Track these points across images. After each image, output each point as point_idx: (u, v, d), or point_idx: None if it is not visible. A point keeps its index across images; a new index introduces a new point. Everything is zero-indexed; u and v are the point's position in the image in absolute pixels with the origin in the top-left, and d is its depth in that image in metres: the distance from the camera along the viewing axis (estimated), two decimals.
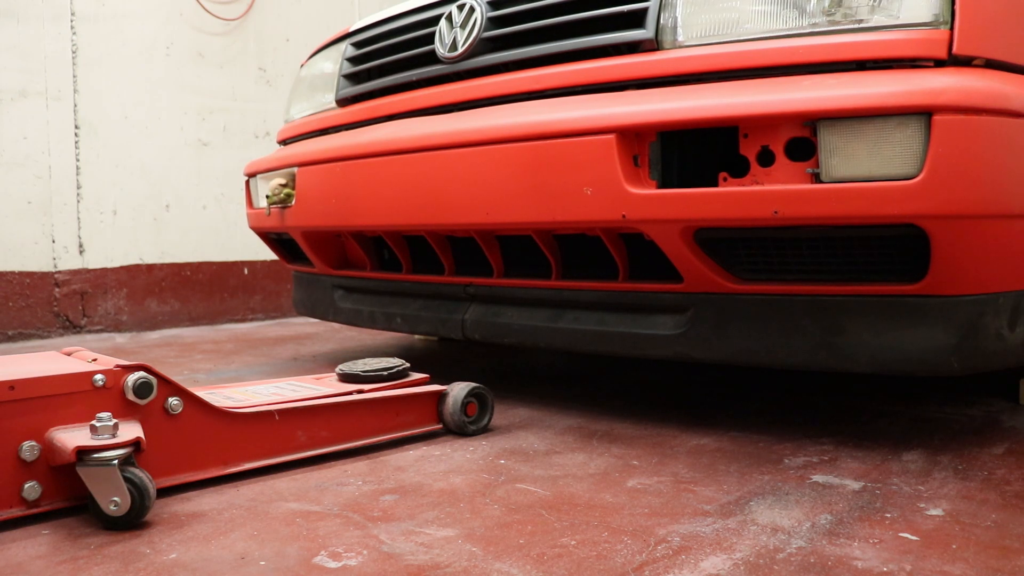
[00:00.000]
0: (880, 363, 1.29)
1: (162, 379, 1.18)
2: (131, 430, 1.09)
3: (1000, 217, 1.22)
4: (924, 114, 1.15)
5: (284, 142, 2.27)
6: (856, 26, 1.26)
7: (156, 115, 3.47)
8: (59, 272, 3.18)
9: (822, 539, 0.99)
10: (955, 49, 1.20)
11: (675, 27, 1.39)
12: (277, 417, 1.30)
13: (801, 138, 1.24)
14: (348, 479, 1.25)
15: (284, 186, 2.05)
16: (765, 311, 1.37)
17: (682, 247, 1.35)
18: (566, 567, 0.92)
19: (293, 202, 2.02)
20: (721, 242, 1.36)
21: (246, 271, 3.74)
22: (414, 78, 1.79)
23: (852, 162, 1.20)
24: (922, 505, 1.12)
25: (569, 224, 1.47)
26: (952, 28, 1.20)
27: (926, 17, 1.21)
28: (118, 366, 1.15)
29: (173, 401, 1.19)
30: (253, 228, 2.29)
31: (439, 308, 1.85)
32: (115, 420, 1.08)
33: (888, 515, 1.08)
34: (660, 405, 1.74)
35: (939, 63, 1.21)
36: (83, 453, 1.03)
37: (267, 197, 2.09)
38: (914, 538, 1.00)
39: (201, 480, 1.23)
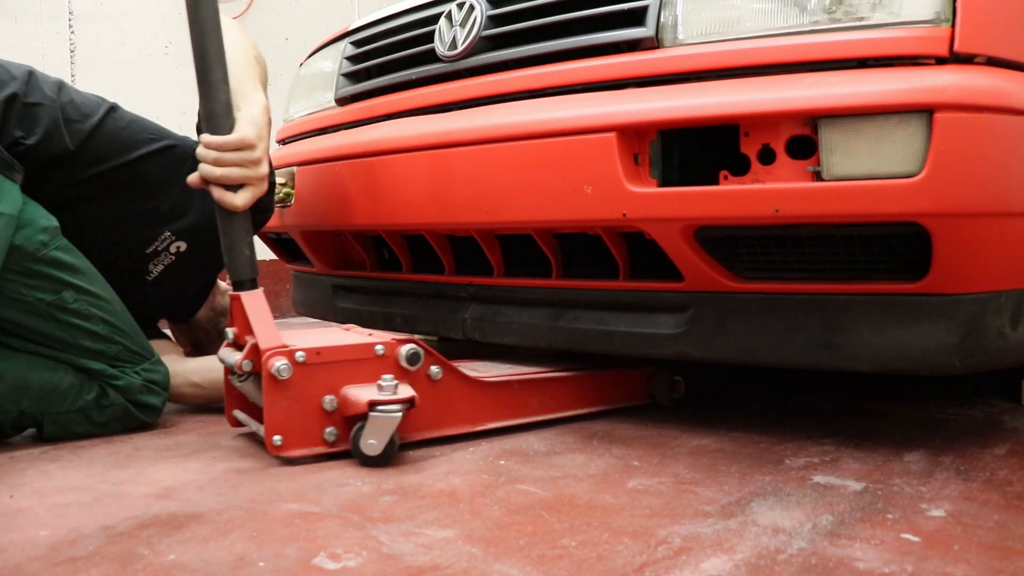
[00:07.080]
0: (881, 362, 1.28)
1: (427, 351, 1.41)
2: (406, 390, 1.32)
3: (1002, 215, 1.22)
4: (925, 112, 1.15)
5: (283, 141, 2.26)
6: (857, 24, 1.25)
7: (155, 115, 3.43)
8: None
9: (823, 540, 0.99)
10: (956, 47, 1.19)
11: (675, 25, 1.38)
12: (516, 386, 1.54)
13: (802, 136, 1.24)
14: (347, 479, 1.24)
15: (283, 185, 2.05)
16: (766, 310, 1.36)
17: (683, 246, 1.35)
18: (566, 568, 0.91)
19: (292, 201, 2.01)
20: (722, 241, 1.35)
21: None
22: (414, 77, 1.79)
23: (853, 160, 1.20)
24: (924, 506, 1.11)
25: (569, 223, 1.47)
26: (953, 25, 1.19)
27: (927, 15, 1.21)
28: (393, 339, 1.40)
29: (435, 369, 1.43)
30: None
31: (439, 308, 1.85)
32: (396, 381, 1.31)
33: (890, 516, 1.07)
34: (660, 405, 1.73)
35: (940, 61, 1.20)
36: (374, 405, 1.27)
37: None
38: (916, 539, 0.99)
39: (453, 435, 1.46)
